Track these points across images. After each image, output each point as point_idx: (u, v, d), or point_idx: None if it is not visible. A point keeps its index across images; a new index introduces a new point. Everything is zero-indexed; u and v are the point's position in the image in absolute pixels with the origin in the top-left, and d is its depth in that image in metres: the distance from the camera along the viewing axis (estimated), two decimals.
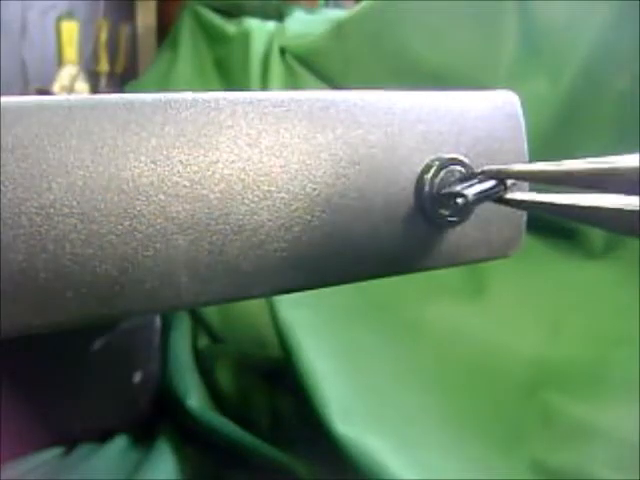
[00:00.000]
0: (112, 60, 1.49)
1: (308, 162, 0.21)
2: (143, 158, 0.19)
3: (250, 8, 1.16)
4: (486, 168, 0.23)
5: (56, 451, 0.56)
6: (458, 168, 0.23)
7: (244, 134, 0.20)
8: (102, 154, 0.18)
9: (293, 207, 0.21)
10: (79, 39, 1.36)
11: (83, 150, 0.18)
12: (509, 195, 0.22)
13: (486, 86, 0.26)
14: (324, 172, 0.22)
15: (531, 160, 0.25)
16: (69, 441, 0.57)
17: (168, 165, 0.19)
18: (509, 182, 0.22)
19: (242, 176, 0.20)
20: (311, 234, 0.21)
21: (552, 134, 0.62)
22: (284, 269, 0.21)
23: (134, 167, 0.19)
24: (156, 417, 0.62)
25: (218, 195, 0.20)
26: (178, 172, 0.19)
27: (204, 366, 0.65)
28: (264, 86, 0.96)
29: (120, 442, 0.57)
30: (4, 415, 0.50)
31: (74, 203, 0.18)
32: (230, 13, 1.18)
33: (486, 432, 0.50)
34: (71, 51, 1.35)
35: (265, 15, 1.14)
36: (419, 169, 0.23)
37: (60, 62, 1.34)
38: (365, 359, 0.58)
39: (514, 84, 0.51)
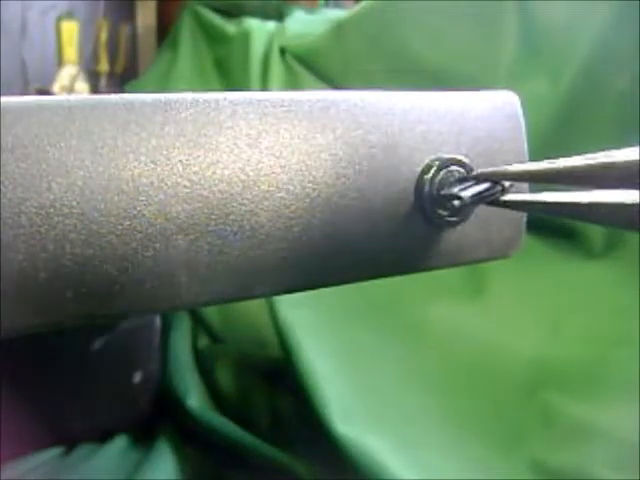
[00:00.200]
0: (112, 60, 1.49)
1: (308, 162, 0.21)
2: (143, 158, 0.19)
3: (250, 8, 1.16)
4: (481, 171, 0.23)
5: (56, 451, 0.56)
6: (458, 168, 0.23)
7: (244, 134, 0.20)
8: (102, 154, 0.18)
9: (293, 207, 0.21)
10: (79, 39, 1.36)
11: (83, 150, 0.18)
12: (507, 197, 0.22)
13: (486, 86, 0.26)
14: (324, 172, 0.22)
15: (531, 160, 0.25)
16: (69, 441, 0.57)
17: (168, 165, 0.19)
18: (507, 183, 0.22)
19: (242, 176, 0.20)
20: (311, 234, 0.21)
21: (552, 134, 0.62)
22: (284, 269, 0.21)
23: (134, 167, 0.19)
24: (156, 417, 0.62)
25: (218, 195, 0.20)
26: (178, 172, 0.19)
27: (204, 366, 0.65)
28: (264, 86, 0.96)
29: (120, 442, 0.58)
30: (4, 415, 0.50)
31: (74, 203, 0.18)
32: (230, 13, 1.18)
33: (486, 432, 0.50)
34: (71, 51, 1.35)
35: (265, 15, 1.14)
36: (419, 169, 0.23)
37: (60, 62, 1.34)
38: (365, 359, 0.58)
39: (514, 84, 0.51)
